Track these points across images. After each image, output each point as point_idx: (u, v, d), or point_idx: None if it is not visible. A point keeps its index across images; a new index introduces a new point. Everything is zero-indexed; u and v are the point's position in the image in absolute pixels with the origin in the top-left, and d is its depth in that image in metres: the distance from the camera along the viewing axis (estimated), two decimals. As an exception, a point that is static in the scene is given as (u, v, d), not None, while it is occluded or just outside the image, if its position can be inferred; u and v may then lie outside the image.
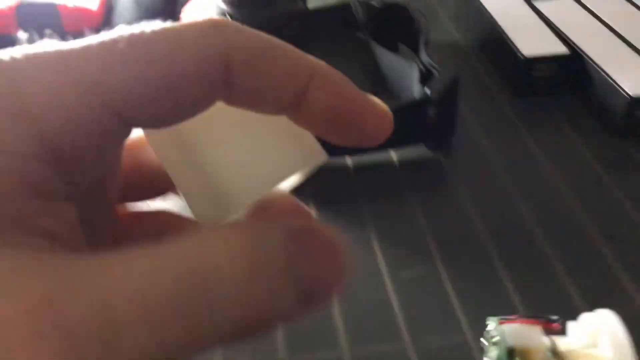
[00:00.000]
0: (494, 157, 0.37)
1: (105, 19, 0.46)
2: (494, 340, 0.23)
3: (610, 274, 0.29)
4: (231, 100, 0.15)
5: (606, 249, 0.31)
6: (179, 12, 0.49)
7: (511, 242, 0.31)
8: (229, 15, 0.41)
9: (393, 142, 0.36)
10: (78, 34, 0.45)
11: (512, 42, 0.41)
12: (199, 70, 0.13)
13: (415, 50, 0.42)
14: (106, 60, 0.13)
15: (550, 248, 0.31)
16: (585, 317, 0.23)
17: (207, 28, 0.14)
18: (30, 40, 0.45)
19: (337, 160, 0.36)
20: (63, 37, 0.45)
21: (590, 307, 0.24)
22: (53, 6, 0.44)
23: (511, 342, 0.22)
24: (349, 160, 0.36)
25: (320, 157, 0.18)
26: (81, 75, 0.13)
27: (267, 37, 0.14)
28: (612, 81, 0.37)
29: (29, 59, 0.13)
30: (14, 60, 0.13)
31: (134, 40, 0.13)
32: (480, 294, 0.29)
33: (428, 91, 0.34)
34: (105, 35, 0.13)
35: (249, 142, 0.19)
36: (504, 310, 0.25)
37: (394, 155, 0.37)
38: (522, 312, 0.27)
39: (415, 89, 0.36)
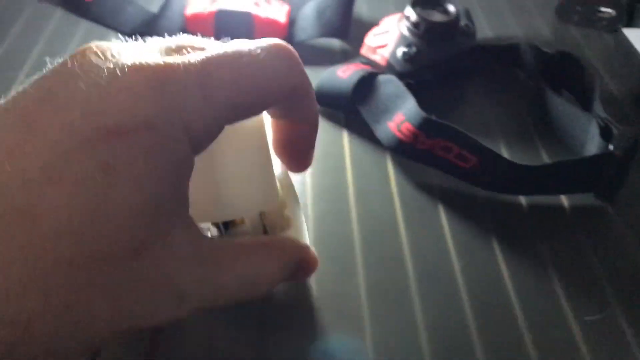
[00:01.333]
0: None
1: (289, 32, 0.50)
2: None
3: None
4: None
5: None
6: (350, 30, 0.52)
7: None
8: (414, 45, 0.44)
9: (567, 189, 0.39)
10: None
11: None
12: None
13: (583, 101, 0.45)
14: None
15: None
16: None
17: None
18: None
19: (512, 198, 0.39)
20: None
21: None
22: (249, 15, 0.47)
23: None
24: (522, 200, 0.39)
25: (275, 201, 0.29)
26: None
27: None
28: None
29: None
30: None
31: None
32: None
33: (611, 148, 0.37)
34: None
35: (245, 174, 0.27)
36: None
37: (564, 199, 0.39)
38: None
39: (593, 143, 0.39)
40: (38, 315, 0.18)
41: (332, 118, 0.45)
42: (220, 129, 0.23)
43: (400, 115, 0.40)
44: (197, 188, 0.23)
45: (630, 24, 0.56)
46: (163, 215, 0.21)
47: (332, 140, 0.43)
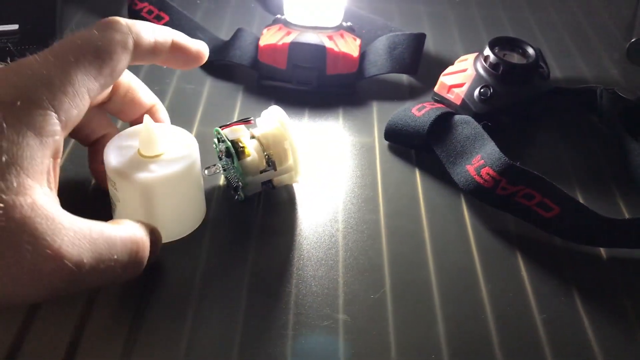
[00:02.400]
0: None
1: (360, 65, 0.50)
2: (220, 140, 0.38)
3: None
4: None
5: None
6: (418, 67, 0.52)
7: None
8: (491, 86, 0.44)
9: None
10: (335, 76, 0.49)
11: None
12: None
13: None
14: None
15: None
16: (264, 112, 0.39)
17: None
18: (293, 75, 0.49)
19: (591, 249, 0.38)
20: (322, 76, 0.49)
21: None
22: (323, 48, 0.47)
23: (230, 137, 0.37)
24: (602, 251, 0.38)
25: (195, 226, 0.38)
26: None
27: None
28: None
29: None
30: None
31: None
32: None
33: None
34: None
35: (179, 205, 0.35)
36: None
37: (646, 253, 0.38)
38: None
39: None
40: None
41: (403, 156, 0.44)
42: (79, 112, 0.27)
43: (479, 158, 0.39)
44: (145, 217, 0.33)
45: None
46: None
47: (404, 180, 0.42)
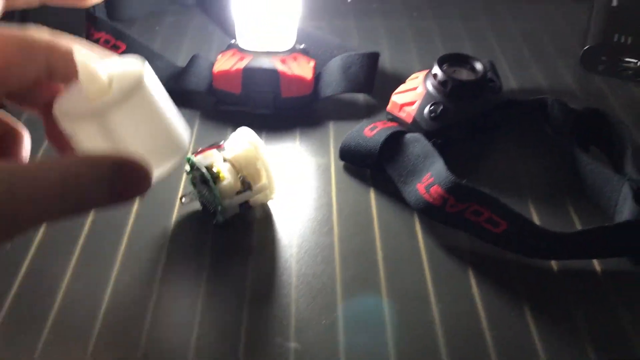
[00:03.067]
0: None
1: (315, 87, 0.50)
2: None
3: None
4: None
5: None
6: (374, 85, 0.52)
7: None
8: (441, 103, 0.44)
9: (599, 254, 0.38)
10: (291, 99, 0.49)
11: None
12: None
13: (613, 157, 0.44)
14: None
15: None
16: (232, 135, 0.40)
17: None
18: (248, 99, 0.49)
19: (543, 262, 0.38)
20: (278, 99, 0.49)
21: None
22: (275, 72, 0.48)
23: (204, 163, 0.38)
24: (554, 264, 0.39)
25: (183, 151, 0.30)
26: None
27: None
28: None
29: None
30: None
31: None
32: None
33: (646, 214, 0.36)
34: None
35: (152, 131, 0.29)
36: None
37: (597, 263, 0.39)
38: None
39: (627, 206, 0.38)
40: None
41: (358, 176, 0.45)
42: None
43: (429, 176, 0.40)
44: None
45: (657, 74, 0.56)
46: None
47: (359, 200, 0.43)
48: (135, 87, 0.28)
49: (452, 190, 0.38)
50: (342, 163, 0.46)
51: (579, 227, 0.41)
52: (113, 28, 0.55)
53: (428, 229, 0.41)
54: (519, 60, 0.60)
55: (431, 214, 0.39)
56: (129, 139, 0.28)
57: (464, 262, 0.38)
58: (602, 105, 0.53)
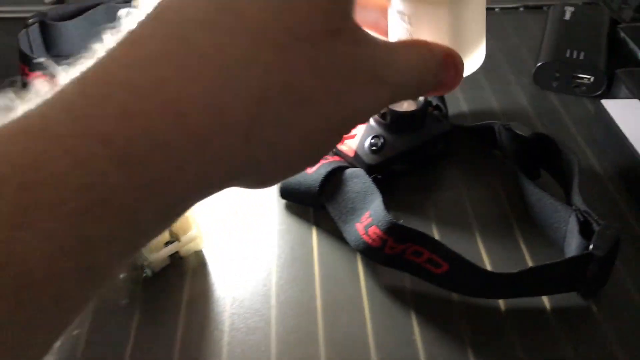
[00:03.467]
0: None
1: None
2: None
3: None
4: None
5: None
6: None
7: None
8: (381, 136, 0.43)
9: (546, 291, 0.36)
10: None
11: None
12: None
13: (562, 182, 0.43)
14: None
15: None
16: None
17: None
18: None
19: (490, 302, 0.37)
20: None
21: None
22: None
23: None
24: (501, 303, 0.37)
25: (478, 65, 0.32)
26: None
27: None
28: None
29: None
30: None
31: None
32: None
33: (592, 248, 0.35)
34: None
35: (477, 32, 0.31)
36: None
37: (546, 299, 0.37)
38: None
39: (573, 239, 0.37)
40: (263, 90, 0.20)
41: (300, 214, 0.43)
42: None
43: (368, 216, 0.38)
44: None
45: (610, 89, 0.54)
46: (343, 4, 0.22)
47: (300, 241, 0.41)
48: None
49: (390, 232, 0.36)
50: (283, 201, 0.44)
51: (528, 260, 0.40)
52: (48, 67, 0.52)
53: (371, 270, 0.39)
54: (471, 79, 0.58)
55: (372, 255, 0.37)
56: (460, 33, 0.30)
57: (407, 305, 0.37)
58: (557, 124, 0.52)
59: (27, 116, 0.18)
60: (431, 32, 0.29)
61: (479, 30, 0.32)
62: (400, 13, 0.29)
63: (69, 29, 0.59)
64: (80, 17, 0.59)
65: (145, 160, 0.18)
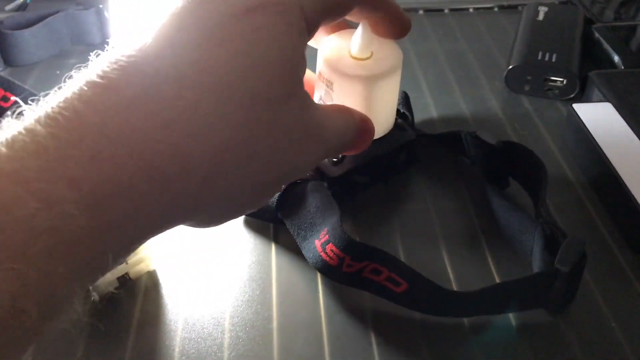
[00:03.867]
0: (612, 320, 0.35)
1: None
2: None
3: None
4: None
5: None
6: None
7: None
8: (343, 146, 0.41)
9: (513, 308, 0.35)
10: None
11: (629, 190, 0.40)
12: None
13: (530, 189, 0.42)
14: None
15: None
16: None
17: None
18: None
19: (454, 320, 0.35)
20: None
21: None
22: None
23: None
24: (465, 320, 0.35)
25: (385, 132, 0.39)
26: None
27: None
28: None
29: None
30: None
31: None
32: None
33: (556, 264, 0.33)
34: None
35: (388, 104, 0.38)
36: None
37: (512, 316, 0.35)
38: None
39: (539, 252, 0.35)
40: (223, 144, 0.22)
41: (259, 230, 0.41)
42: (320, 18, 0.27)
43: (325, 232, 0.36)
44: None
45: (584, 92, 0.53)
46: (296, 70, 0.25)
47: (258, 260, 0.39)
48: (399, 66, 0.35)
49: (347, 250, 0.34)
50: (243, 217, 0.42)
51: (495, 274, 0.38)
52: (2, 78, 0.50)
53: (330, 289, 0.37)
54: (441, 83, 0.57)
55: (330, 274, 0.36)
56: (373, 103, 0.35)
57: (367, 326, 0.35)
58: (529, 128, 0.51)
59: None
60: (349, 100, 0.34)
61: (391, 102, 0.38)
62: (323, 78, 0.35)
63: (26, 37, 0.57)
64: (39, 24, 0.57)
65: (110, 202, 0.20)
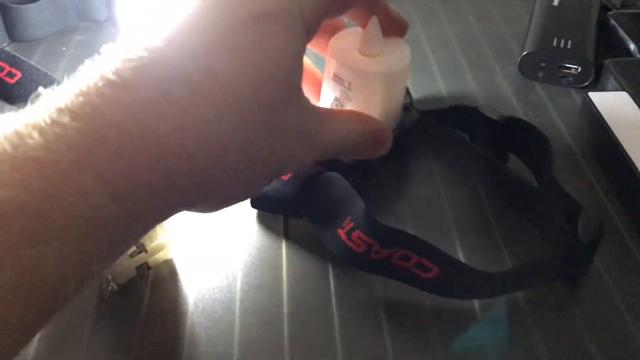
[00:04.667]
0: (619, 298, 0.35)
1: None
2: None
3: None
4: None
5: None
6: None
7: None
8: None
9: (536, 282, 0.35)
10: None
11: (633, 164, 0.39)
12: None
13: (536, 168, 0.41)
14: None
15: None
16: None
17: None
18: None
19: (465, 304, 0.35)
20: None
21: None
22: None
23: None
24: (475, 303, 0.35)
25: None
26: None
27: None
28: None
29: None
30: None
31: None
32: None
33: (579, 234, 0.33)
34: None
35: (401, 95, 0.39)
36: None
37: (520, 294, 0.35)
38: None
39: (557, 222, 0.36)
40: (227, 144, 0.24)
41: (270, 226, 0.40)
42: (320, 21, 0.28)
43: (350, 220, 0.35)
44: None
45: (598, 80, 0.52)
46: (297, 77, 0.27)
47: (268, 255, 0.38)
48: (408, 62, 0.36)
49: (376, 235, 0.33)
50: (254, 211, 0.41)
51: (506, 254, 0.38)
52: (7, 54, 0.50)
53: (342, 278, 0.37)
54: (453, 67, 0.56)
55: (355, 262, 0.35)
56: (390, 98, 0.36)
57: (378, 315, 0.35)
58: (541, 115, 0.50)
59: (33, 146, 0.21)
60: (368, 97, 0.35)
61: (403, 92, 0.39)
62: (339, 79, 0.35)
63: (32, 12, 0.56)
64: (45, -1, 0.56)
65: (130, 195, 0.22)
